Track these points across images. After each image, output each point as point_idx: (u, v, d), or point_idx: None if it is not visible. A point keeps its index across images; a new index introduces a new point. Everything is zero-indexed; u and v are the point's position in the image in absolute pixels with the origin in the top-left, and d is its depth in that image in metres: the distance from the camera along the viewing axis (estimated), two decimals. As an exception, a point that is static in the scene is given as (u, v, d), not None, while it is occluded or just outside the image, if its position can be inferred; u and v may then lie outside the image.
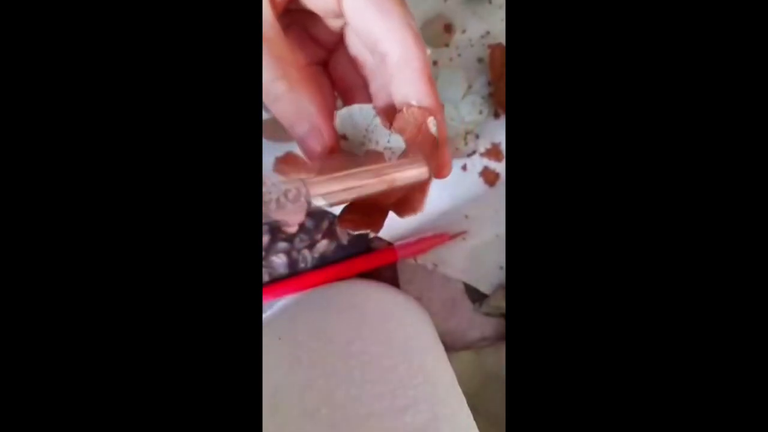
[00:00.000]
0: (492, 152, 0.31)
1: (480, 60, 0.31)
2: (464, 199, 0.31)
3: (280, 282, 0.30)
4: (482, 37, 0.31)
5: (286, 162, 0.32)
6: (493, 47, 0.30)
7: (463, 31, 0.31)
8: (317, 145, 0.18)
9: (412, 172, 0.18)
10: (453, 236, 0.30)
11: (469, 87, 0.31)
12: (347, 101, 0.22)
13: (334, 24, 0.20)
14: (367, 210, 0.20)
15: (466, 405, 0.22)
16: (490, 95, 0.31)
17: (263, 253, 0.31)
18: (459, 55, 0.31)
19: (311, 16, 0.19)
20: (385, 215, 0.20)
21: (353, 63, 0.21)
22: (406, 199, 0.20)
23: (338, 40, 0.21)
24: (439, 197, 0.31)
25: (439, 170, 0.20)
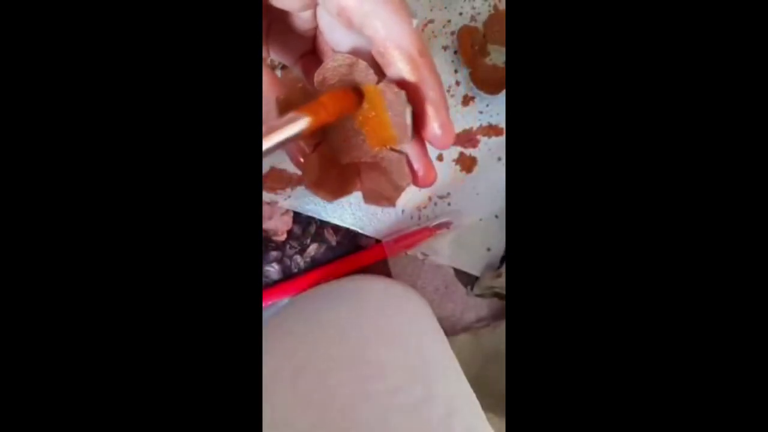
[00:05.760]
0: (464, 138, 0.32)
1: (445, 48, 0.32)
2: (444, 188, 0.32)
3: (275, 286, 0.31)
4: (444, 26, 0.31)
5: (272, 178, 0.33)
6: (459, 31, 0.31)
7: (428, 24, 0.32)
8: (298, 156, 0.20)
9: (289, 126, 0.18)
10: (439, 229, 0.31)
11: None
12: None
13: (304, 16, 0.21)
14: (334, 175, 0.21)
15: (466, 384, 0.23)
16: (470, 75, 0.31)
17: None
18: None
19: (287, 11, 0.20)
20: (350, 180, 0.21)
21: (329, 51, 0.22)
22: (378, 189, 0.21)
23: (316, 26, 0.22)
24: (419, 189, 0.32)
25: (424, 176, 0.20)
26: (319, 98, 0.18)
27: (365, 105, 0.19)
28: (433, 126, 0.19)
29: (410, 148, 0.20)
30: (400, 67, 0.18)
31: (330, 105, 0.18)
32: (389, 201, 0.21)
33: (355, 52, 0.19)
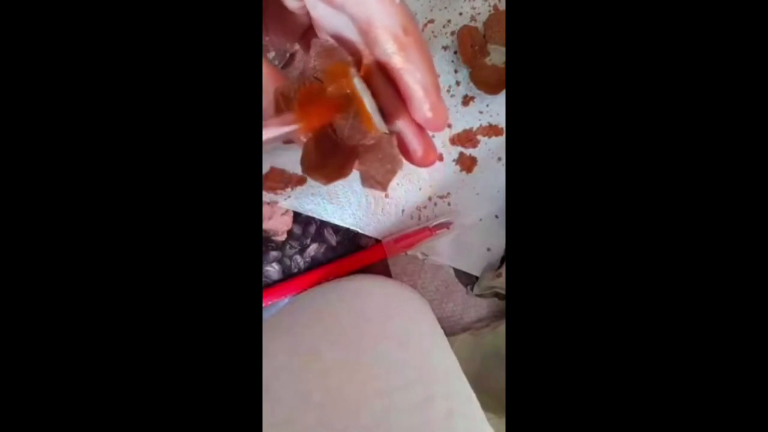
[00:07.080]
0: (464, 138, 0.32)
1: (445, 48, 0.32)
2: (444, 188, 0.32)
3: (275, 286, 0.31)
4: (444, 26, 0.31)
5: (272, 178, 0.33)
6: (459, 31, 0.31)
7: (428, 24, 0.32)
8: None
9: (278, 126, 0.17)
10: (439, 229, 0.31)
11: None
12: None
13: None
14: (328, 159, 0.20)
15: (466, 384, 0.23)
16: (470, 75, 0.31)
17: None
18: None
19: None
20: (347, 161, 0.20)
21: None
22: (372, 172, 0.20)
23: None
24: (419, 189, 0.32)
25: (423, 156, 0.19)
26: (313, 106, 0.18)
27: (356, 88, 0.18)
28: (423, 108, 0.18)
29: (406, 128, 0.19)
30: (385, 46, 0.17)
31: (324, 113, 0.18)
32: (381, 185, 0.20)
33: (342, 32, 0.18)
